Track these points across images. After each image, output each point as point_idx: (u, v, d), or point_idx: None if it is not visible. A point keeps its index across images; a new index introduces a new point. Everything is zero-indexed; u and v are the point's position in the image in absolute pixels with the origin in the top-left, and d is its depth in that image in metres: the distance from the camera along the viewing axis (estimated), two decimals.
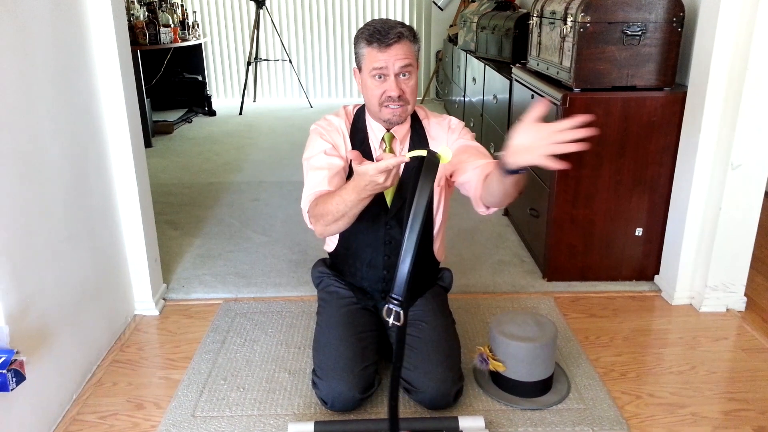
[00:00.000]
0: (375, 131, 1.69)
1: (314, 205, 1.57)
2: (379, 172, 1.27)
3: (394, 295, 1.12)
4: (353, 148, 1.68)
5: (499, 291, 2.39)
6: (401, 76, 1.56)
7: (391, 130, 1.67)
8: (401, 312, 1.13)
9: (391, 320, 1.14)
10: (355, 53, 1.62)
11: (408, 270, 1.09)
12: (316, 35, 6.45)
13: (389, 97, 1.57)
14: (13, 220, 1.47)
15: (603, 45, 2.15)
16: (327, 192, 1.55)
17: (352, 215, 1.47)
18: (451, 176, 1.69)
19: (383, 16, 6.30)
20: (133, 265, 2.18)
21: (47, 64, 1.65)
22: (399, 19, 5.66)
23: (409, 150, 1.68)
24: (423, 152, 1.18)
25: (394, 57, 1.53)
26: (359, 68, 1.62)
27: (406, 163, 1.61)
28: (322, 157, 1.63)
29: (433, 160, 1.15)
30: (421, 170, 1.13)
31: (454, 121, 1.75)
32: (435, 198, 1.73)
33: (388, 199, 1.68)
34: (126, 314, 2.16)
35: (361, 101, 1.72)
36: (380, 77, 1.56)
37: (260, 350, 1.98)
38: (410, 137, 1.71)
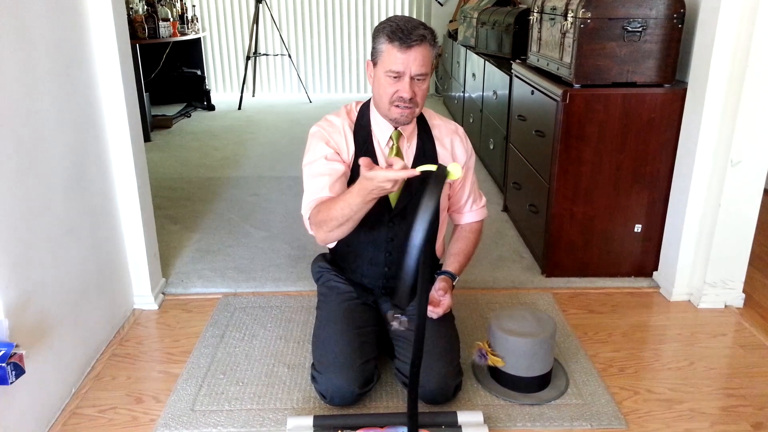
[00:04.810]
0: (381, 128, 1.68)
1: (316, 212, 1.57)
2: (387, 180, 1.28)
3: (398, 307, 1.22)
4: (356, 146, 1.68)
5: (499, 287, 2.39)
6: (416, 79, 1.55)
7: (398, 128, 1.67)
8: (405, 319, 1.29)
9: (395, 325, 1.33)
10: (373, 47, 1.58)
11: (409, 285, 1.10)
12: (316, 30, 6.43)
13: (401, 97, 1.56)
14: (13, 214, 1.47)
15: (603, 41, 2.15)
16: (329, 198, 1.55)
17: (356, 219, 1.47)
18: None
19: (383, 11, 6.29)
20: (133, 260, 2.18)
21: (47, 58, 1.64)
22: (398, 13, 5.63)
23: (416, 149, 1.70)
24: (434, 167, 1.17)
25: (413, 61, 1.52)
26: (374, 62, 1.59)
27: (415, 159, 1.65)
28: (323, 163, 1.62)
29: (441, 175, 1.15)
30: (428, 182, 1.13)
31: (461, 130, 1.79)
32: (441, 201, 1.73)
33: (392, 197, 1.68)
34: (125, 308, 2.16)
35: (359, 97, 1.72)
36: (395, 77, 1.55)
37: (259, 345, 1.99)
38: (417, 135, 1.71)
